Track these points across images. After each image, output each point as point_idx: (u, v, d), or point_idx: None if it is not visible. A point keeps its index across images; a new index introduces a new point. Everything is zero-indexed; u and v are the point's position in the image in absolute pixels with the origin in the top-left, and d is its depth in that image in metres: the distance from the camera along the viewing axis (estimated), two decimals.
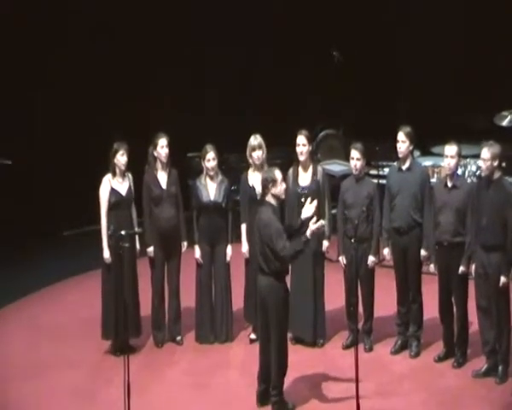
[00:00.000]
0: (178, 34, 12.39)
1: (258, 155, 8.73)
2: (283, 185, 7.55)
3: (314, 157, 8.96)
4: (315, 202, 7.53)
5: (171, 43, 12.35)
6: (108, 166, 8.62)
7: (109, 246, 8.50)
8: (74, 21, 11.99)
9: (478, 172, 10.03)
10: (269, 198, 7.50)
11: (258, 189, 8.51)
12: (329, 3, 12.66)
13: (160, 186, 8.75)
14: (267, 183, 7.48)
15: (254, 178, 8.74)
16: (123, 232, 7.78)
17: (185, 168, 10.79)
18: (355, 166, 8.51)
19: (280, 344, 7.44)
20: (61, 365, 8.52)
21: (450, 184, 8.16)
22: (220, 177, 8.87)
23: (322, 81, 12.61)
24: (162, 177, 8.78)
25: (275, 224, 7.38)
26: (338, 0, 12.72)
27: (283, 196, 7.63)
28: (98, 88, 11.87)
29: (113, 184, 8.59)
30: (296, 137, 8.72)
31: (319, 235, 8.50)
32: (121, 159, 8.56)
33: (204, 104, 12.60)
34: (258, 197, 8.49)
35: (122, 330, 8.32)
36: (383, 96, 12.56)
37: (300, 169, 8.75)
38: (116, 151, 8.56)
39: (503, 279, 7.65)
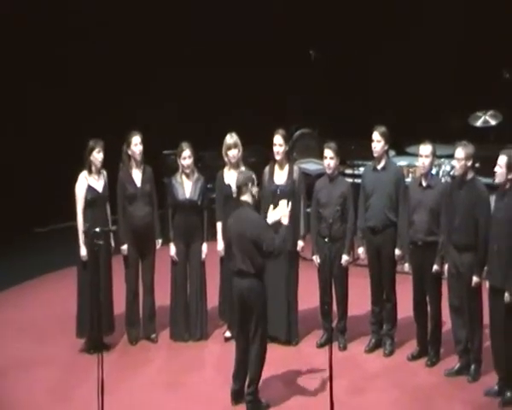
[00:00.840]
0: (165, 33, 12.41)
1: (233, 154, 8.74)
2: (256, 187, 7.62)
3: (290, 156, 8.97)
4: (284, 207, 7.51)
5: (156, 43, 12.37)
6: (84, 164, 8.60)
7: (85, 243, 8.48)
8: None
9: (452, 172, 10.11)
10: (247, 198, 7.51)
11: (234, 187, 8.52)
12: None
13: (135, 184, 8.74)
14: (248, 181, 7.51)
15: (230, 177, 8.75)
16: (97, 229, 7.78)
17: (160, 166, 10.79)
18: (328, 165, 8.54)
19: (262, 343, 7.49)
20: (35, 363, 8.49)
21: (424, 184, 8.21)
22: (196, 175, 8.87)
23: (298, 80, 12.65)
24: (136, 175, 8.77)
25: (261, 220, 7.47)
26: None
27: (256, 197, 7.68)
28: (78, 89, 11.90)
29: (90, 181, 8.57)
30: (272, 136, 8.74)
31: (294, 234, 8.55)
32: (98, 156, 8.55)
33: (181, 102, 12.60)
34: (234, 195, 8.51)
35: (96, 328, 8.30)
36: (359, 96, 12.61)
37: (277, 168, 8.77)
38: (92, 148, 8.54)
39: (475, 279, 7.70)
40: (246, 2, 12.59)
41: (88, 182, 8.56)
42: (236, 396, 7.63)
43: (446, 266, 7.97)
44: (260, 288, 7.46)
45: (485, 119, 10.87)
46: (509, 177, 7.40)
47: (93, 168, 8.57)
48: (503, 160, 7.40)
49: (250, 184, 7.50)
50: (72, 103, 11.92)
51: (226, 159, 8.81)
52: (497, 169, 7.43)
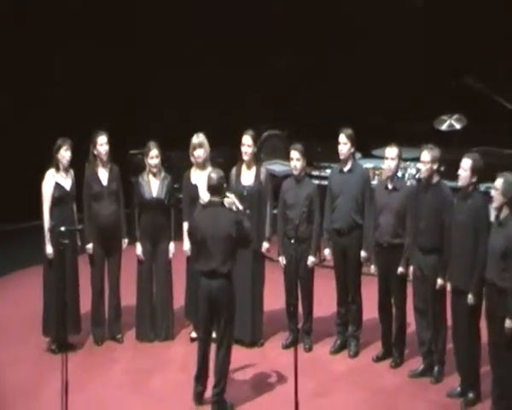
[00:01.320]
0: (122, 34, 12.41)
1: (198, 154, 8.74)
2: None
3: (257, 157, 9.00)
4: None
5: (114, 42, 12.35)
6: (51, 162, 8.56)
7: (51, 242, 8.44)
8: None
9: (417, 175, 10.19)
10: (220, 198, 7.52)
11: (201, 187, 8.54)
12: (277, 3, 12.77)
13: (101, 183, 8.71)
14: (222, 182, 7.52)
15: (197, 177, 8.75)
16: (63, 229, 7.75)
17: (127, 165, 10.77)
18: (295, 166, 8.56)
19: (230, 344, 7.54)
20: (0, 362, 8.41)
21: (390, 186, 8.27)
22: (163, 174, 8.87)
23: (266, 81, 12.68)
24: (103, 174, 8.74)
25: (235, 214, 7.52)
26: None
27: None
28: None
29: (57, 179, 8.55)
30: (241, 136, 8.75)
31: (260, 235, 8.57)
32: (65, 154, 8.53)
33: (149, 101, 12.59)
34: (201, 195, 8.52)
35: (62, 327, 8.27)
36: (327, 99, 12.66)
37: (244, 168, 8.78)
38: (60, 146, 8.53)
39: (439, 281, 7.78)
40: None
41: (55, 179, 8.54)
42: (199, 398, 7.64)
43: (411, 268, 8.04)
44: (230, 288, 7.50)
45: (451, 123, 10.96)
46: (473, 180, 7.48)
47: (60, 166, 8.55)
48: (467, 163, 7.48)
49: (225, 185, 7.52)
50: (43, 104, 11.90)
51: (193, 159, 8.82)
52: (460, 172, 7.50)
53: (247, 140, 8.70)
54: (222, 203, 7.55)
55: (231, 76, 12.54)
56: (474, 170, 7.44)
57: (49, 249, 8.47)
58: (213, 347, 7.61)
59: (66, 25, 12.00)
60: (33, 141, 11.38)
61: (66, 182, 8.59)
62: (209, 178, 7.60)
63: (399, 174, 8.86)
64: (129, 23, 12.32)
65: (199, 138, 8.77)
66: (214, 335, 7.67)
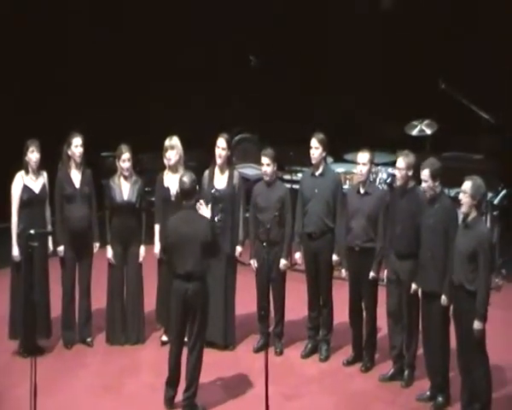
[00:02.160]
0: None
1: (170, 156, 8.72)
2: None
3: (231, 161, 9.00)
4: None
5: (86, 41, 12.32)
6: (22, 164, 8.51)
7: (19, 244, 8.38)
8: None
9: (388, 180, 10.25)
10: (193, 201, 7.51)
11: (173, 190, 8.53)
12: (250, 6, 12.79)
13: (73, 185, 8.67)
14: (195, 185, 7.51)
15: (169, 180, 8.74)
16: (32, 231, 7.69)
17: (99, 168, 10.71)
18: (265, 172, 8.58)
19: (202, 347, 7.54)
20: None
21: (362, 191, 8.31)
22: (134, 177, 8.85)
23: (238, 85, 12.67)
24: (75, 176, 8.70)
25: (209, 221, 7.57)
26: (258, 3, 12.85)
27: None
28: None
29: (26, 181, 8.49)
30: (212, 139, 8.74)
31: (233, 239, 8.57)
32: (32, 156, 8.48)
33: (122, 103, 12.55)
34: (173, 198, 8.51)
35: (30, 331, 8.20)
36: (299, 102, 12.68)
37: (217, 171, 8.77)
38: (27, 148, 8.48)
39: (414, 286, 7.80)
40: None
41: (24, 182, 8.48)
42: (170, 402, 7.62)
43: (385, 273, 8.07)
44: (205, 292, 7.49)
45: (421, 128, 11.00)
46: (436, 184, 7.55)
47: (29, 168, 8.49)
48: (425, 173, 7.54)
49: (197, 188, 7.52)
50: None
51: (165, 161, 8.80)
52: (423, 185, 7.57)
53: (221, 143, 8.70)
54: (195, 207, 7.54)
55: (200, 79, 12.55)
56: (434, 175, 7.53)
57: (16, 252, 8.42)
58: (184, 350, 7.60)
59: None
60: (12, 141, 11.34)
61: (36, 185, 8.53)
62: (181, 182, 7.57)
63: (371, 179, 8.90)
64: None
65: (171, 141, 8.76)
66: (186, 338, 7.65)
